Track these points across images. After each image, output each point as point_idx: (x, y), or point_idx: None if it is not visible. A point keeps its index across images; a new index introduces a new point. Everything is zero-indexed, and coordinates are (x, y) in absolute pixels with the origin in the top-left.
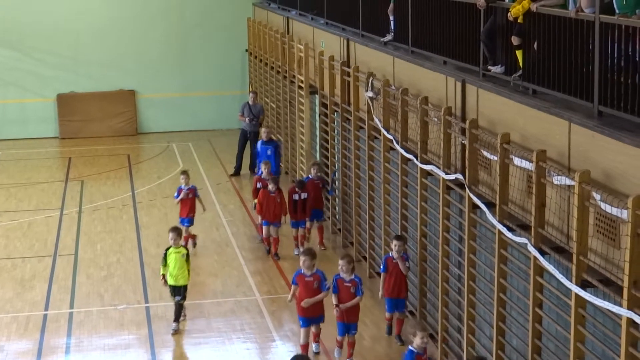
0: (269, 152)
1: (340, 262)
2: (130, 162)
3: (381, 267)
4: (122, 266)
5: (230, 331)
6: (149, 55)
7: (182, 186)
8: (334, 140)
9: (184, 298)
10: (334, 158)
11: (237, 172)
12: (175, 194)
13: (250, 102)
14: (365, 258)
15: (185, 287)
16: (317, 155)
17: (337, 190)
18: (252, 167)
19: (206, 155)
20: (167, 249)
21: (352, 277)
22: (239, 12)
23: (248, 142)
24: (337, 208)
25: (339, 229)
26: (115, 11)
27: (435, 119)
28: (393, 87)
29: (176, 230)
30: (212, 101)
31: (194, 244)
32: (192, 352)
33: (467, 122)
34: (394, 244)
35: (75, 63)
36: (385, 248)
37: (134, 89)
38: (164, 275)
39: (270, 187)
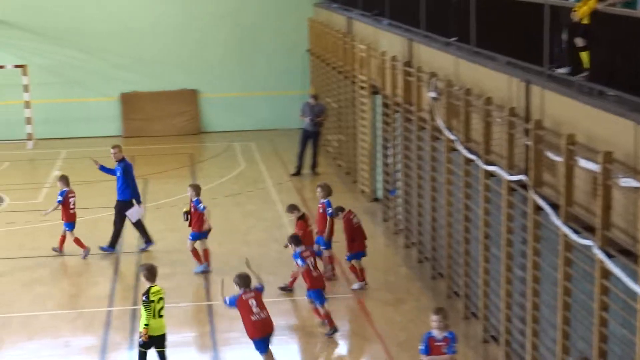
0: None
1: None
2: (192, 161)
3: (421, 346)
4: (183, 264)
5: (291, 330)
6: (211, 54)
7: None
8: (396, 141)
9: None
10: (395, 158)
11: (298, 171)
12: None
13: (311, 102)
14: (427, 259)
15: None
16: (379, 155)
17: (398, 191)
18: (314, 167)
19: (267, 155)
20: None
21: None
22: (300, 12)
23: (309, 142)
24: (398, 209)
25: (400, 230)
26: (178, 11)
27: (499, 120)
28: (456, 88)
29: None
30: (274, 101)
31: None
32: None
33: (532, 122)
34: (433, 320)
35: (139, 62)
36: (447, 250)
37: (196, 88)
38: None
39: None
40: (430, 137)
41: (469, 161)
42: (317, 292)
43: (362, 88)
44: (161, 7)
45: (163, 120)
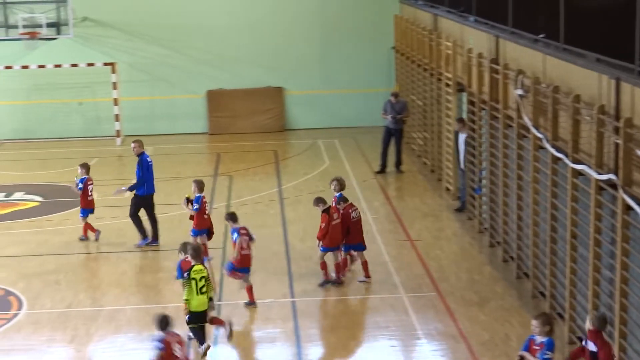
0: None
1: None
2: (277, 158)
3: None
4: (268, 261)
5: (374, 328)
6: (296, 52)
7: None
8: (482, 139)
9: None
10: (481, 156)
11: (382, 169)
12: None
13: (393, 100)
14: (512, 258)
15: None
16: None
17: (483, 189)
18: (398, 165)
19: (352, 152)
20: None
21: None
22: (385, 9)
23: (392, 140)
24: (483, 207)
25: (485, 229)
26: (263, 8)
27: (588, 118)
28: (543, 85)
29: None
30: (358, 98)
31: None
32: (337, 347)
33: (622, 120)
34: (532, 324)
35: (224, 60)
36: (533, 250)
37: (281, 85)
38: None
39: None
40: (517, 135)
41: (556, 160)
42: (244, 270)
43: (448, 85)
44: (247, 5)
45: (248, 117)
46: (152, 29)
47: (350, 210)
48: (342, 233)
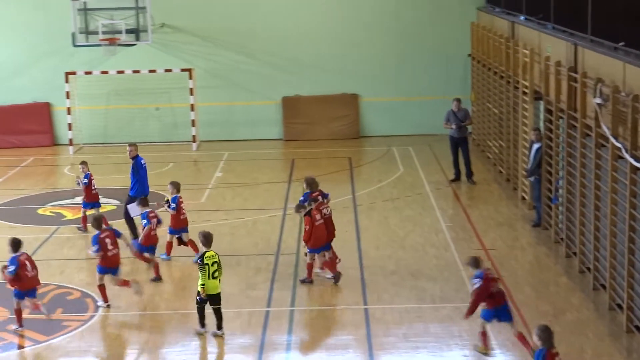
0: None
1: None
2: (351, 165)
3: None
4: (341, 267)
5: (447, 337)
6: (372, 59)
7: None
8: (559, 147)
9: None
10: (558, 165)
11: (457, 177)
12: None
13: (455, 109)
14: (589, 269)
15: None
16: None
17: (560, 199)
18: (469, 176)
19: (426, 160)
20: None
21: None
22: (461, 16)
23: (460, 150)
24: (560, 217)
25: (561, 239)
26: (340, 15)
27: None
28: (623, 94)
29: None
30: (433, 105)
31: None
32: (409, 356)
33: None
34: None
35: (300, 66)
36: (610, 261)
37: (356, 92)
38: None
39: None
40: (595, 144)
41: (635, 169)
42: (150, 249)
43: (525, 93)
44: (323, 12)
45: (323, 124)
46: (229, 35)
47: (322, 208)
48: (327, 233)
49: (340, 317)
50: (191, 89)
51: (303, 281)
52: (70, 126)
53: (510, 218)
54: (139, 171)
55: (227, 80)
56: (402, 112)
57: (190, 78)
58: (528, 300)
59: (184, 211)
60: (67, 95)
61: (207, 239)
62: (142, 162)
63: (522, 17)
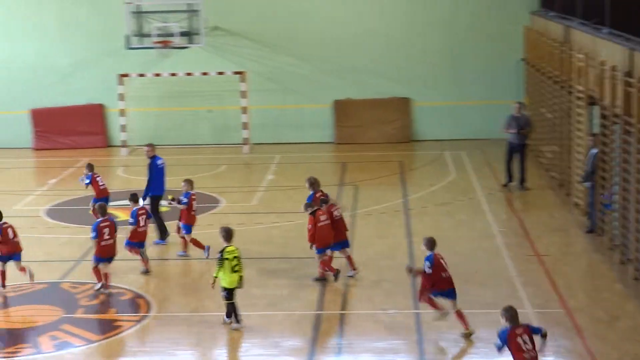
0: None
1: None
2: (403, 169)
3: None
4: (392, 271)
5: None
6: (424, 62)
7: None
8: (614, 153)
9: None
10: (613, 171)
11: (509, 182)
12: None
13: (515, 113)
14: None
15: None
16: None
17: (615, 205)
18: (522, 181)
19: (478, 164)
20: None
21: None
22: (514, 20)
23: (516, 156)
24: (614, 224)
25: (616, 245)
26: (391, 19)
27: None
28: None
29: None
30: (485, 110)
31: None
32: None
33: None
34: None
35: (352, 70)
36: None
37: (408, 96)
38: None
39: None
40: None
41: None
42: (140, 245)
43: (579, 98)
44: (375, 16)
45: (375, 127)
46: (282, 38)
47: (333, 210)
48: (333, 233)
49: (391, 321)
50: (243, 92)
51: (317, 279)
52: (123, 128)
53: (563, 224)
54: (153, 171)
55: (279, 83)
56: (454, 116)
57: (243, 81)
58: (582, 306)
59: (194, 208)
60: (121, 97)
61: (228, 234)
62: (159, 162)
63: (577, 22)
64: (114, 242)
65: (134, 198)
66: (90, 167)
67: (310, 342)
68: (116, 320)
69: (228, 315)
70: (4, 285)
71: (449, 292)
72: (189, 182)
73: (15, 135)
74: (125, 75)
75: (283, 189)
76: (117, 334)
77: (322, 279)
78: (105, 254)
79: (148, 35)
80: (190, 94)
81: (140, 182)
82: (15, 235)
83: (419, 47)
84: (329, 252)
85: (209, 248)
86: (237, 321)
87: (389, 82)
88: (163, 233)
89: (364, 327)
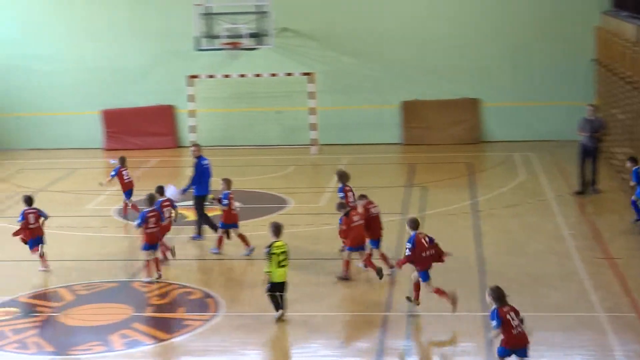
0: None
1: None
2: (471, 171)
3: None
4: (459, 273)
5: (568, 346)
6: (492, 63)
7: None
8: None
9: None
10: None
11: (582, 191)
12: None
13: (589, 116)
14: None
15: None
16: None
17: None
18: (593, 184)
19: (548, 166)
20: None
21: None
22: (585, 20)
23: (589, 159)
24: None
25: None
26: (459, 19)
27: None
28: None
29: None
30: (555, 111)
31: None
32: None
33: None
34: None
35: (420, 70)
36: None
37: (477, 97)
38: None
39: None
40: None
41: None
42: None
43: None
44: (443, 16)
45: (443, 128)
46: (350, 39)
47: (370, 207)
48: (366, 232)
49: (459, 323)
50: (311, 93)
51: (340, 278)
52: (192, 129)
53: (635, 227)
54: (198, 171)
55: (347, 84)
56: (523, 117)
57: (311, 82)
58: None
59: (234, 207)
60: (190, 98)
61: (277, 229)
62: (204, 163)
63: None
64: (159, 230)
65: (159, 190)
66: (122, 160)
67: (377, 343)
68: (185, 320)
69: (276, 309)
70: (44, 265)
71: (423, 274)
72: (227, 182)
73: (87, 135)
74: (195, 77)
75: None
76: (186, 333)
77: (345, 279)
78: (152, 241)
79: (217, 37)
80: (258, 95)
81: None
82: (36, 221)
83: (488, 47)
84: (368, 249)
85: (252, 249)
86: (277, 310)
87: (457, 82)
88: (213, 228)
89: (431, 329)
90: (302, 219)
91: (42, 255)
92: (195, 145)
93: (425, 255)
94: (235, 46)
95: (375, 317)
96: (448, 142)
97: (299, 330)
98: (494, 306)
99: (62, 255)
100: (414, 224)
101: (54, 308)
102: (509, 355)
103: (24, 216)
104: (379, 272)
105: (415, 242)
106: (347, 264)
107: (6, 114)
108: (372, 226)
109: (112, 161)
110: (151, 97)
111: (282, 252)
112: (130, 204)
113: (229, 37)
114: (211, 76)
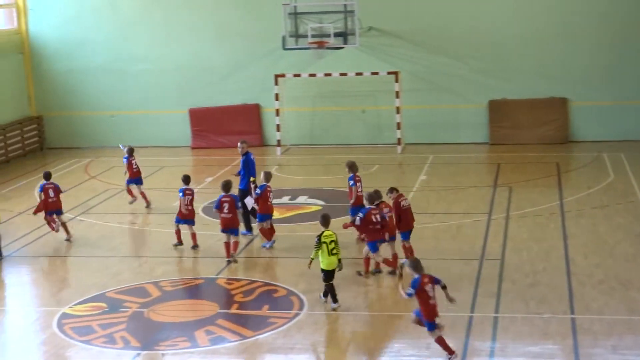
0: None
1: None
2: (559, 171)
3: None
4: (548, 275)
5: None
6: (582, 62)
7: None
8: None
9: None
10: None
11: None
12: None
13: None
14: None
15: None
16: None
17: None
18: None
19: (638, 167)
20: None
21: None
22: None
23: None
24: None
25: None
26: (547, 17)
27: None
28: None
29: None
30: None
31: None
32: None
33: None
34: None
35: (507, 70)
36: None
37: (566, 96)
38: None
39: None
40: None
41: None
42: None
43: None
44: (531, 14)
45: (530, 128)
46: (436, 38)
47: (400, 200)
48: (396, 221)
49: (545, 325)
50: (397, 92)
51: (360, 274)
52: (278, 127)
53: None
54: (250, 165)
55: (433, 83)
56: (613, 116)
57: (397, 81)
58: None
59: (270, 199)
60: (276, 97)
61: (325, 219)
62: (252, 158)
63: None
64: (234, 216)
65: (186, 180)
66: (130, 150)
67: (462, 344)
68: (270, 317)
69: (325, 295)
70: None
71: (371, 244)
72: (267, 175)
73: (175, 134)
74: (281, 76)
75: (435, 190)
76: (270, 331)
77: (371, 272)
78: (226, 226)
79: (304, 36)
80: (344, 94)
81: (293, 181)
82: (55, 195)
83: (577, 45)
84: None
85: (273, 242)
86: (334, 301)
87: (545, 81)
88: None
89: (518, 330)
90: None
91: (63, 224)
92: (244, 142)
93: (372, 228)
94: (321, 45)
95: (460, 318)
96: (535, 141)
97: (383, 330)
98: (416, 276)
99: (149, 252)
100: (372, 199)
101: (140, 304)
102: (435, 328)
103: (43, 189)
104: (395, 271)
105: (365, 216)
106: (368, 261)
107: (100, 112)
108: (403, 218)
109: (121, 146)
110: (237, 96)
111: (332, 241)
112: (140, 191)
113: (315, 36)
114: (297, 75)
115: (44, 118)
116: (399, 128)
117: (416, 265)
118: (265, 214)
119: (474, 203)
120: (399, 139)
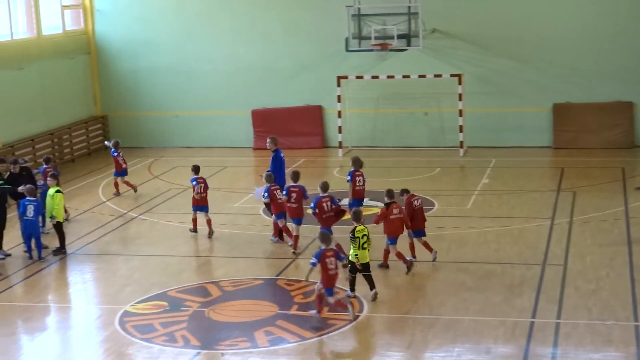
0: None
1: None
2: (624, 176)
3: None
4: (611, 281)
5: None
6: None
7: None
8: None
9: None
10: None
11: None
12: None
13: None
14: None
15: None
16: None
17: None
18: None
19: None
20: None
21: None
22: None
23: None
24: None
25: None
26: (613, 20)
27: None
28: None
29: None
30: None
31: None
32: None
33: None
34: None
35: (573, 73)
36: None
37: (632, 100)
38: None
39: None
40: None
41: None
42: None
43: None
44: (596, 16)
45: (595, 132)
46: (500, 40)
47: (413, 200)
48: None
49: (609, 332)
50: (460, 95)
51: (381, 266)
52: (340, 129)
53: None
54: (278, 163)
55: (497, 86)
56: None
57: (460, 84)
58: None
59: (279, 197)
60: (339, 98)
61: (357, 215)
62: (281, 155)
63: None
64: (300, 206)
65: (195, 169)
66: (116, 144)
67: (523, 350)
68: (329, 319)
69: (352, 289)
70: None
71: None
72: (295, 174)
73: (237, 134)
74: (344, 77)
75: (498, 194)
76: (329, 333)
77: (385, 266)
78: (292, 215)
79: (367, 38)
80: (406, 96)
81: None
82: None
83: None
84: (409, 239)
85: (277, 240)
86: (352, 290)
87: (611, 85)
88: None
89: (580, 337)
90: (448, 222)
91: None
92: (272, 138)
93: (325, 216)
94: (384, 47)
95: (521, 324)
96: (600, 146)
97: (444, 333)
98: (320, 247)
99: (210, 252)
100: (325, 187)
101: (201, 303)
102: (332, 293)
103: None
104: (409, 268)
105: (316, 205)
106: (387, 253)
107: (164, 113)
108: (415, 218)
109: (107, 143)
110: (300, 97)
111: (364, 235)
112: (123, 181)
113: (378, 38)
114: (360, 77)
115: (109, 118)
116: (461, 131)
117: (323, 238)
118: (279, 212)
119: (536, 207)
120: (461, 142)
